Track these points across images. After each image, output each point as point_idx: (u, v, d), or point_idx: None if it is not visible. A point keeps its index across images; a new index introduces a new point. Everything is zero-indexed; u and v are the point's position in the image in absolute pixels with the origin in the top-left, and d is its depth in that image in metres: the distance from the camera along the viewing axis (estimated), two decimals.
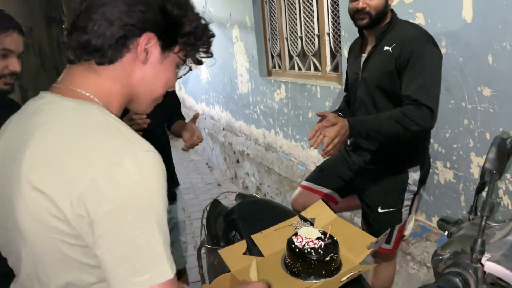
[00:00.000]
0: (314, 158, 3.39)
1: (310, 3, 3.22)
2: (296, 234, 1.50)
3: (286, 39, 3.71)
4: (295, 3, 3.44)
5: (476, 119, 1.92)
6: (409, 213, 2.04)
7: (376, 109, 1.85)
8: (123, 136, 0.74)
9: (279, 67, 3.93)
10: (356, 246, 1.52)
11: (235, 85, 4.84)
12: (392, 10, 1.84)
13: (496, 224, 1.15)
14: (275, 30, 3.87)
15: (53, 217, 0.71)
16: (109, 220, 0.69)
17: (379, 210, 1.96)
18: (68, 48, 0.80)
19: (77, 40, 0.78)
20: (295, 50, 3.59)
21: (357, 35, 2.00)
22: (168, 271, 0.72)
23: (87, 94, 0.80)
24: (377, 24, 1.80)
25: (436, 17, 2.03)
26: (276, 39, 3.90)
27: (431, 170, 2.23)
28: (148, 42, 0.81)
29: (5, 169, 0.79)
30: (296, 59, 3.61)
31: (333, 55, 3.12)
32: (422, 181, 1.97)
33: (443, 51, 1.98)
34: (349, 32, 2.68)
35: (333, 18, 3.03)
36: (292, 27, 3.59)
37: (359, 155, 1.99)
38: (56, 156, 0.72)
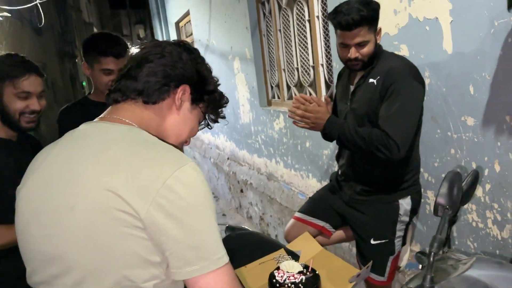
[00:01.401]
0: (313, 187, 3.39)
1: (305, 36, 3.30)
2: (278, 268, 1.51)
3: (284, 70, 3.78)
4: (290, 36, 3.52)
5: (462, 148, 1.92)
6: (403, 244, 2.02)
7: None
8: (176, 150, 0.92)
9: (278, 97, 3.99)
10: (339, 279, 1.52)
11: (237, 115, 4.91)
12: (379, 44, 1.87)
13: (463, 258, 1.15)
14: (273, 61, 3.95)
15: (124, 213, 0.82)
16: (183, 214, 0.83)
17: (372, 241, 1.94)
18: (116, 91, 1.00)
19: (126, 85, 0.98)
20: (292, 80, 3.65)
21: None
22: (226, 257, 0.87)
23: (134, 124, 0.96)
24: (368, 65, 1.83)
25: (419, 48, 2.07)
26: (274, 70, 3.97)
27: (422, 200, 2.22)
28: (184, 93, 1.00)
29: (61, 179, 0.90)
30: (293, 89, 3.67)
31: (328, 85, 3.17)
32: (413, 212, 1.96)
33: (427, 81, 2.00)
34: (340, 64, 2.72)
35: (325, 49, 3.09)
36: (288, 59, 3.66)
37: (350, 186, 2.00)
38: (125, 163, 0.85)
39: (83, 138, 0.96)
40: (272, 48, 3.93)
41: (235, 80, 4.77)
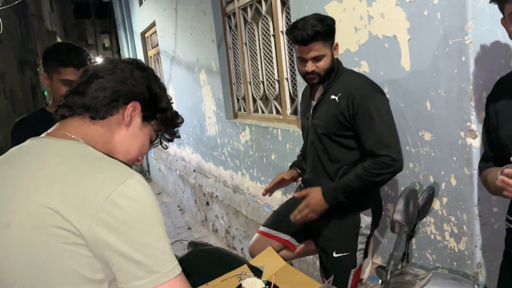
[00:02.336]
0: (278, 200, 3.40)
1: (270, 50, 3.33)
2: (240, 286, 1.49)
3: (250, 83, 3.80)
4: (256, 50, 3.55)
5: (420, 162, 1.98)
6: (365, 257, 2.05)
7: (326, 151, 1.90)
8: (121, 164, 0.91)
9: (244, 110, 4.00)
10: None
11: (204, 127, 4.88)
12: (337, 59, 1.91)
13: (421, 273, 1.17)
14: (239, 74, 3.97)
15: (63, 230, 0.81)
16: (128, 229, 0.82)
17: (334, 254, 1.96)
18: (63, 106, 0.98)
19: (74, 100, 0.97)
20: (258, 93, 3.68)
21: None
22: (177, 268, 0.86)
23: (80, 140, 0.94)
24: (326, 80, 1.87)
25: (379, 65, 2.12)
26: (240, 83, 3.99)
27: (383, 213, 2.26)
28: (134, 110, 0.99)
29: None
30: (259, 102, 3.69)
31: (292, 99, 3.20)
32: (374, 224, 1.99)
33: None
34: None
35: (290, 64, 3.13)
36: (254, 72, 3.68)
37: None
38: (64, 178, 0.84)
39: (24, 154, 0.94)
40: (238, 61, 3.94)
41: (201, 92, 4.75)
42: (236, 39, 3.88)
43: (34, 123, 1.97)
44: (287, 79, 3.19)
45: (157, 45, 6.54)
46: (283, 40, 3.15)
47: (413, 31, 1.89)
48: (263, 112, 3.65)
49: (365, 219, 1.93)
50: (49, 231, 0.82)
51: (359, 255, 1.98)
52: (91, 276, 0.85)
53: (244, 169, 3.95)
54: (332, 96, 1.85)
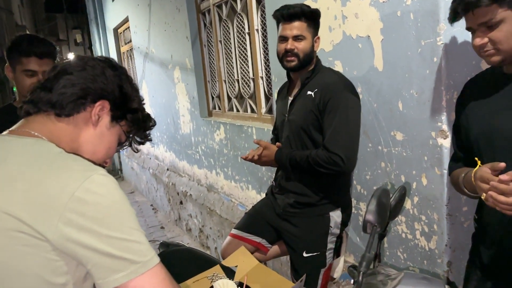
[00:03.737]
0: (252, 199, 3.38)
1: (245, 48, 3.31)
2: (211, 287, 1.47)
3: (225, 81, 3.77)
4: (231, 47, 3.52)
5: (392, 162, 1.99)
6: (337, 256, 2.05)
7: (300, 147, 1.90)
8: (84, 160, 0.88)
9: (219, 108, 3.97)
10: None
11: (177, 125, 4.82)
12: (317, 56, 1.92)
13: (393, 273, 1.17)
14: (214, 72, 3.93)
15: (23, 233, 0.78)
16: (98, 225, 0.79)
17: (304, 254, 1.95)
18: (28, 102, 0.94)
19: (40, 96, 0.93)
20: (233, 92, 3.65)
21: (286, 79, 2.07)
22: (156, 257, 0.85)
23: (43, 137, 0.90)
24: (304, 67, 1.87)
25: (352, 65, 2.13)
26: (215, 81, 3.95)
27: (355, 211, 2.28)
28: (102, 109, 0.96)
29: None
30: (234, 101, 3.66)
31: (267, 98, 3.19)
32: (344, 224, 2.00)
33: (359, 97, 2.06)
34: (279, 77, 2.76)
35: (265, 63, 3.11)
36: (229, 70, 3.65)
37: (283, 198, 2.00)
38: (22, 179, 0.80)
39: None
40: (213, 59, 3.90)
41: (176, 90, 4.69)
42: (211, 36, 3.84)
43: (2, 120, 1.90)
44: (262, 77, 3.17)
45: (130, 41, 6.42)
46: (258, 38, 3.13)
47: (386, 32, 1.90)
48: (238, 110, 3.63)
49: (335, 219, 1.93)
50: (8, 234, 0.79)
51: (329, 254, 1.98)
52: (54, 280, 0.83)
53: (219, 167, 3.92)
54: (309, 92, 1.85)
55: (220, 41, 3.70)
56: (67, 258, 0.83)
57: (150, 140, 1.13)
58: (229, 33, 3.51)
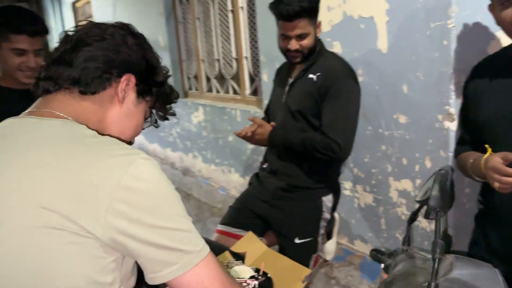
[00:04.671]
0: (235, 182, 3.33)
1: (227, 27, 3.20)
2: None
3: (203, 61, 3.64)
4: (211, 26, 3.39)
5: (393, 145, 2.00)
6: (329, 238, 2.05)
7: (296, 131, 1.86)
8: (121, 143, 0.78)
9: (196, 89, 3.84)
10: (288, 279, 1.47)
11: None
12: (320, 39, 1.85)
13: (427, 255, 1.16)
14: (191, 51, 3.79)
15: (64, 231, 0.69)
16: (149, 214, 0.72)
17: (296, 241, 1.91)
18: (46, 78, 0.83)
19: (59, 72, 0.82)
20: (213, 72, 3.53)
21: (276, 59, 2.00)
22: (206, 246, 0.78)
23: (69, 118, 0.81)
24: (308, 58, 1.80)
25: (353, 46, 2.10)
26: (192, 61, 3.81)
27: (351, 194, 2.28)
28: (127, 83, 0.85)
29: None
30: (214, 81, 3.55)
31: (252, 79, 3.11)
32: (334, 208, 1.98)
33: (360, 79, 2.02)
34: (268, 57, 2.69)
35: (251, 42, 3.03)
36: (209, 49, 3.53)
37: (276, 179, 1.93)
38: (60, 167, 0.71)
39: (5, 138, 0.79)
40: (190, 37, 3.76)
41: None
42: (188, 13, 3.69)
43: None
44: (246, 58, 3.09)
45: (91, 16, 6.07)
46: (243, 16, 3.03)
47: (392, 13, 1.88)
48: (218, 91, 3.53)
49: (327, 204, 1.91)
50: (48, 231, 0.69)
51: (320, 240, 1.97)
52: (102, 279, 0.75)
53: (196, 150, 3.82)
54: (311, 75, 1.79)
55: (198, 18, 3.56)
56: (115, 254, 0.75)
57: (174, 114, 1.03)
58: (209, 10, 3.38)
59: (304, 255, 1.90)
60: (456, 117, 1.72)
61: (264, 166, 2.03)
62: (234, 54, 3.19)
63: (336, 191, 1.94)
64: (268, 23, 2.60)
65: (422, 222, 1.95)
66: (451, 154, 1.76)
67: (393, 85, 1.94)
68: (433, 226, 1.86)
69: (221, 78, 3.49)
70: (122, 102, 0.87)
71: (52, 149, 0.74)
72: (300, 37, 1.74)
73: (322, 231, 1.94)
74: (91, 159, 0.73)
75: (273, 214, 1.94)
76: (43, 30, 1.71)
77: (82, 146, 0.75)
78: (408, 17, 1.82)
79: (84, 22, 0.91)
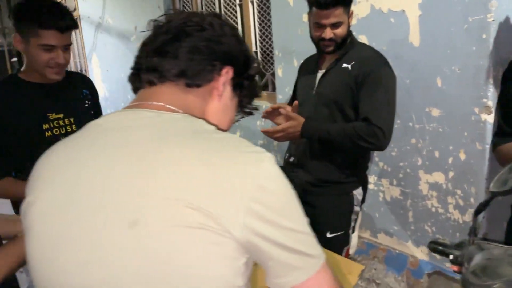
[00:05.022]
0: None
1: (235, 21, 3.14)
2: None
3: None
4: None
5: (424, 138, 2.02)
6: (352, 232, 2.05)
7: (328, 121, 1.83)
8: (242, 139, 0.75)
9: None
10: (342, 276, 1.46)
11: None
12: (350, 30, 1.84)
13: (504, 246, 1.16)
14: None
15: (205, 230, 0.64)
16: (280, 215, 0.68)
17: (328, 235, 1.90)
18: (150, 70, 0.79)
19: (162, 64, 0.78)
20: None
21: (293, 54, 1.96)
22: (322, 250, 0.75)
23: (180, 111, 0.77)
24: (340, 48, 1.79)
25: (381, 40, 2.10)
26: None
27: (376, 188, 2.29)
28: (227, 77, 0.81)
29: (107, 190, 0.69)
30: None
31: (262, 74, 3.08)
32: (363, 201, 1.98)
33: None
34: (283, 51, 2.66)
35: (261, 37, 2.99)
36: None
37: (304, 174, 1.91)
38: (195, 163, 0.67)
39: (124, 131, 0.73)
40: None
41: None
42: (189, 8, 3.61)
43: (11, 93, 1.64)
44: (256, 52, 3.05)
45: (75, 9, 5.85)
46: (252, 10, 2.99)
47: (425, 7, 1.89)
48: None
49: (357, 197, 1.91)
50: (190, 231, 0.65)
51: (352, 233, 1.97)
52: (236, 282, 0.70)
53: None
54: (345, 65, 1.77)
55: None
56: (246, 256, 0.71)
57: (257, 109, 0.97)
58: (214, 3, 3.31)
59: (335, 248, 1.89)
60: (493, 110, 1.75)
61: (291, 160, 2.01)
62: None
63: (365, 184, 1.94)
64: (283, 18, 2.58)
65: (454, 214, 1.97)
66: (487, 147, 1.78)
67: (426, 78, 1.95)
68: (466, 218, 1.89)
69: None
70: (221, 95, 0.83)
71: (183, 145, 0.69)
72: (335, 25, 1.72)
73: (352, 224, 1.94)
74: (226, 156, 0.69)
75: (304, 209, 1.92)
76: (73, 25, 1.64)
77: (212, 142, 0.71)
78: (443, 11, 1.83)
79: (173, 11, 0.87)
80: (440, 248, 1.35)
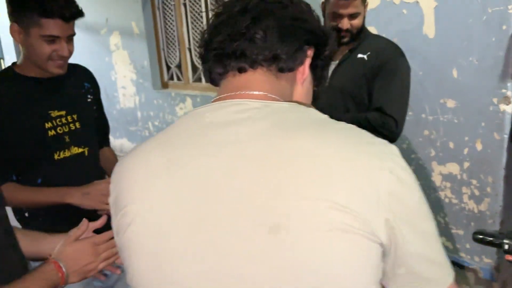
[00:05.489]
0: None
1: None
2: None
3: (189, 49, 3.43)
4: (201, 12, 3.20)
5: (438, 129, 2.02)
6: None
7: (344, 111, 1.81)
8: (362, 129, 0.66)
9: (179, 79, 3.62)
10: None
11: (114, 99, 4.29)
12: None
13: None
14: (173, 39, 3.56)
15: (359, 234, 0.56)
16: (415, 216, 0.61)
17: None
18: (239, 56, 0.69)
19: (252, 48, 0.68)
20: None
21: None
22: None
23: (282, 100, 0.69)
24: (355, 39, 1.76)
25: (392, 31, 2.08)
26: (174, 49, 3.58)
27: None
28: (309, 58, 0.73)
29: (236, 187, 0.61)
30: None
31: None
32: None
33: None
34: None
35: None
36: (197, 37, 3.33)
37: None
38: (334, 161, 0.59)
39: (234, 125, 0.64)
40: (171, 24, 3.52)
41: (112, 59, 4.15)
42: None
43: (8, 88, 1.46)
44: None
45: None
46: None
47: None
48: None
49: None
50: (339, 236, 0.56)
51: None
52: None
53: None
54: (360, 55, 1.76)
55: (184, 4, 3.34)
56: (383, 261, 0.64)
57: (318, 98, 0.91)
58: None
59: None
60: None
61: None
62: None
63: None
64: None
65: (468, 204, 2.00)
66: (506, 137, 1.81)
67: (440, 70, 1.96)
68: (482, 208, 1.91)
69: None
70: (303, 79, 0.75)
71: (311, 136, 0.61)
72: (352, 16, 1.70)
73: None
74: (359, 148, 0.61)
75: None
76: (78, 13, 1.48)
77: (338, 133, 0.63)
78: (460, 2, 1.84)
79: None
80: (489, 238, 1.33)
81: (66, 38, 1.47)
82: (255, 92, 0.68)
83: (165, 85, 3.75)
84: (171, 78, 3.71)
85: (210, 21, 0.76)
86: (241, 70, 0.70)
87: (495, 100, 1.82)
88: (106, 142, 1.91)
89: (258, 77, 0.70)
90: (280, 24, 0.69)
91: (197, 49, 0.75)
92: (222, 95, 0.70)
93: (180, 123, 0.70)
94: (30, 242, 1.10)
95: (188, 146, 0.65)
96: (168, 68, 3.71)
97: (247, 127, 0.63)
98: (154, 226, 0.62)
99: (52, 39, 1.41)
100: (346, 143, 0.62)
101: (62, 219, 1.55)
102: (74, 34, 1.51)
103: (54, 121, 1.55)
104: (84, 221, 1.10)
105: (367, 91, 1.72)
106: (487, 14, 1.77)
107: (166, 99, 3.62)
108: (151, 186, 0.64)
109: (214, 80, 0.75)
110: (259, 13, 0.69)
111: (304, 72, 0.73)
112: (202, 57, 0.75)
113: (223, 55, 0.69)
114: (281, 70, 0.70)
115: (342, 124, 0.67)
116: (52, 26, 1.39)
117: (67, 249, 1.00)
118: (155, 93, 3.73)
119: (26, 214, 1.54)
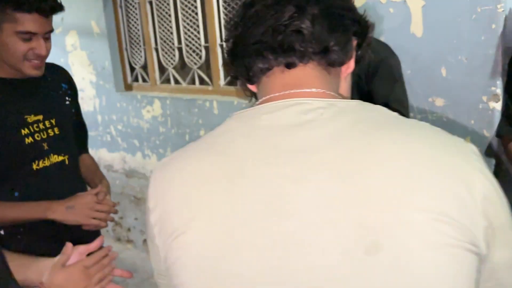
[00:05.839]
0: None
1: (194, 11, 2.91)
2: None
3: (156, 49, 3.27)
4: (170, 11, 3.06)
5: None
6: None
7: None
8: (436, 127, 0.65)
9: (145, 81, 3.44)
10: None
11: None
12: None
13: None
14: (137, 39, 3.38)
15: (462, 248, 0.52)
16: (504, 222, 0.57)
17: None
18: (287, 50, 0.63)
19: (299, 41, 0.63)
20: (171, 61, 3.19)
21: None
22: None
23: (339, 97, 0.68)
24: None
25: (378, 30, 2.07)
26: (138, 49, 3.40)
27: None
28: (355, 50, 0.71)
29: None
30: (172, 71, 3.21)
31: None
32: None
33: None
34: None
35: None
36: (165, 37, 3.18)
37: None
38: (427, 167, 0.55)
39: (295, 130, 0.59)
40: (135, 23, 3.35)
41: (68, 59, 3.88)
42: None
43: None
44: (221, 45, 2.85)
45: None
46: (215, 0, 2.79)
47: None
48: (177, 82, 3.20)
49: None
50: (448, 251, 0.51)
51: None
52: None
53: (148, 149, 3.43)
54: None
55: (150, 2, 3.19)
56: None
57: None
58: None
59: None
60: (501, 97, 1.81)
61: None
62: (203, 42, 2.93)
63: None
64: None
65: None
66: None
67: (428, 68, 1.96)
68: None
69: (182, 68, 3.18)
70: (348, 73, 0.72)
71: (397, 139, 0.58)
72: None
73: None
74: (445, 149, 0.59)
75: None
76: (58, 6, 1.36)
77: (419, 132, 0.61)
78: (449, 2, 1.85)
79: None
80: None
81: (44, 35, 1.34)
82: (313, 90, 0.64)
83: (128, 87, 3.55)
84: (136, 79, 3.52)
85: (237, 12, 0.69)
86: (290, 66, 0.65)
87: (484, 98, 1.85)
88: (86, 149, 1.76)
89: (310, 72, 0.65)
90: (327, 12, 0.64)
91: (225, 44, 0.70)
92: (272, 95, 0.65)
93: (229, 128, 0.65)
94: (17, 269, 0.96)
95: (248, 154, 0.59)
96: (132, 69, 3.52)
97: (317, 131, 0.59)
98: (217, 250, 0.56)
99: (28, 36, 1.29)
100: (431, 144, 0.58)
101: (43, 237, 1.39)
102: (52, 30, 1.38)
103: (31, 127, 1.40)
104: (67, 245, 1.00)
105: (363, 91, 1.70)
106: (476, 13, 1.79)
107: (131, 101, 3.43)
108: (209, 203, 0.57)
109: (252, 77, 0.68)
110: (302, 1, 0.64)
111: (349, 65, 0.70)
112: (233, 53, 0.68)
113: (267, 49, 0.63)
114: (332, 64, 0.66)
115: (414, 122, 0.65)
116: (28, 22, 1.27)
117: (57, 277, 0.93)
118: (118, 96, 3.52)
119: (2, 232, 1.37)
